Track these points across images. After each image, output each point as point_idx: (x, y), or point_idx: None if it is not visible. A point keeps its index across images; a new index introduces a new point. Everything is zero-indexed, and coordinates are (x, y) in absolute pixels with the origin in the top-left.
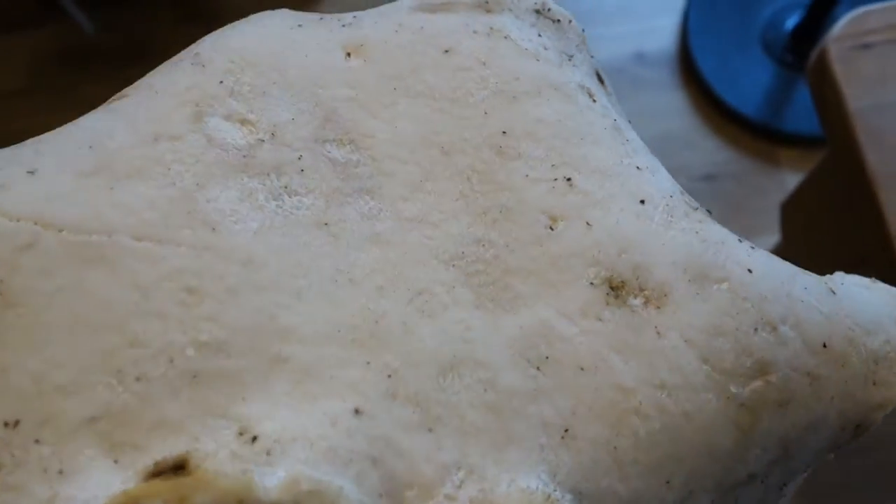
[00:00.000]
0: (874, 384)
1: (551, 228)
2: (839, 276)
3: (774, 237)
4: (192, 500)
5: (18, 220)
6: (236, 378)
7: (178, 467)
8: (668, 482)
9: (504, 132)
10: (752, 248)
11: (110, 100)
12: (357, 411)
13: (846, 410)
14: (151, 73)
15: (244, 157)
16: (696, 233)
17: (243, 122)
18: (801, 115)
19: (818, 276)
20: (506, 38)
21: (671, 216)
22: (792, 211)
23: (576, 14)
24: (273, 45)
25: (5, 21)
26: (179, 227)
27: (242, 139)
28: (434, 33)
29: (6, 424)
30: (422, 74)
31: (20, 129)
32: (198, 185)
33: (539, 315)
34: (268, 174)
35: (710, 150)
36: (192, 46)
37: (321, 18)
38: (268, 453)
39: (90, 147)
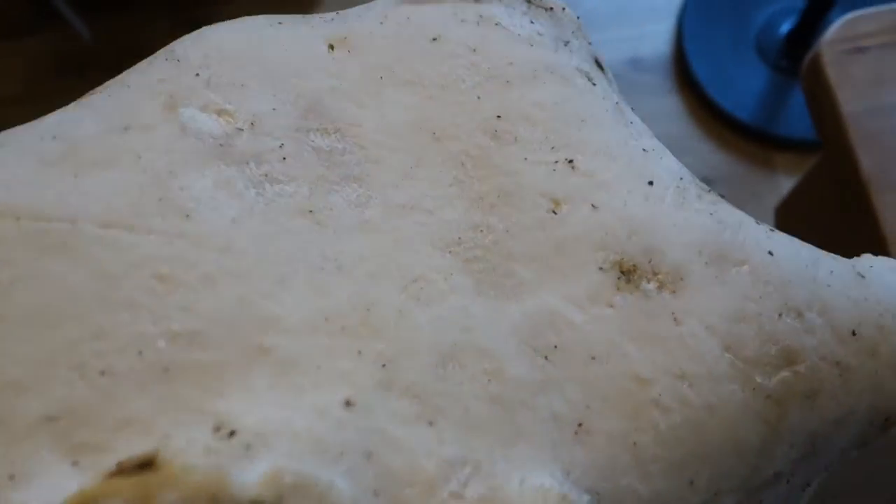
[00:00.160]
0: None
1: (554, 212)
2: (867, 259)
3: None
4: (158, 498)
5: None
6: (213, 371)
7: (146, 465)
8: (691, 482)
9: (499, 116)
10: (771, 230)
11: (80, 98)
12: (348, 403)
13: (876, 403)
14: (125, 72)
15: (221, 145)
16: (711, 214)
17: (220, 112)
18: (796, 119)
19: (844, 259)
20: (497, 24)
21: (683, 197)
22: (786, 214)
23: None
24: (252, 40)
25: (1, 27)
26: (150, 214)
27: (219, 129)
28: (421, 23)
29: None
30: (409, 63)
31: None
32: (170, 172)
33: (545, 302)
34: (247, 162)
35: (704, 154)
36: (168, 45)
37: (303, 17)
38: (247, 447)
39: (54, 137)
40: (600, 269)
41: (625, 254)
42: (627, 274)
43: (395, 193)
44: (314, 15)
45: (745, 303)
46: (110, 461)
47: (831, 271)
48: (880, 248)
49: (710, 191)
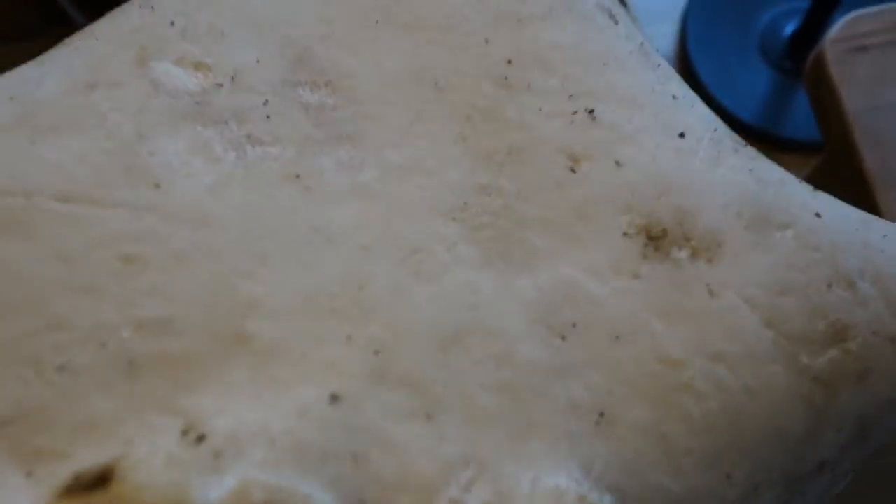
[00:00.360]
0: None
1: (573, 170)
2: None
3: None
4: None
5: None
6: (183, 363)
7: (104, 479)
8: (728, 476)
9: (509, 61)
10: (815, 190)
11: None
12: (335, 397)
13: None
14: (96, 21)
15: (197, 103)
16: (750, 170)
17: (197, 66)
18: (800, 120)
19: (893, 224)
20: None
21: (718, 151)
22: None
23: None
24: None
25: (10, 30)
26: (115, 184)
27: (196, 85)
28: None
29: None
30: (408, 3)
31: None
32: (139, 135)
33: (562, 273)
34: (226, 122)
35: None
36: None
37: None
38: (215, 456)
39: (11, 98)
40: (625, 234)
41: (653, 217)
42: (656, 240)
43: (392, 153)
44: None
45: (789, 272)
46: (67, 470)
47: (884, 235)
48: None
49: (746, 145)
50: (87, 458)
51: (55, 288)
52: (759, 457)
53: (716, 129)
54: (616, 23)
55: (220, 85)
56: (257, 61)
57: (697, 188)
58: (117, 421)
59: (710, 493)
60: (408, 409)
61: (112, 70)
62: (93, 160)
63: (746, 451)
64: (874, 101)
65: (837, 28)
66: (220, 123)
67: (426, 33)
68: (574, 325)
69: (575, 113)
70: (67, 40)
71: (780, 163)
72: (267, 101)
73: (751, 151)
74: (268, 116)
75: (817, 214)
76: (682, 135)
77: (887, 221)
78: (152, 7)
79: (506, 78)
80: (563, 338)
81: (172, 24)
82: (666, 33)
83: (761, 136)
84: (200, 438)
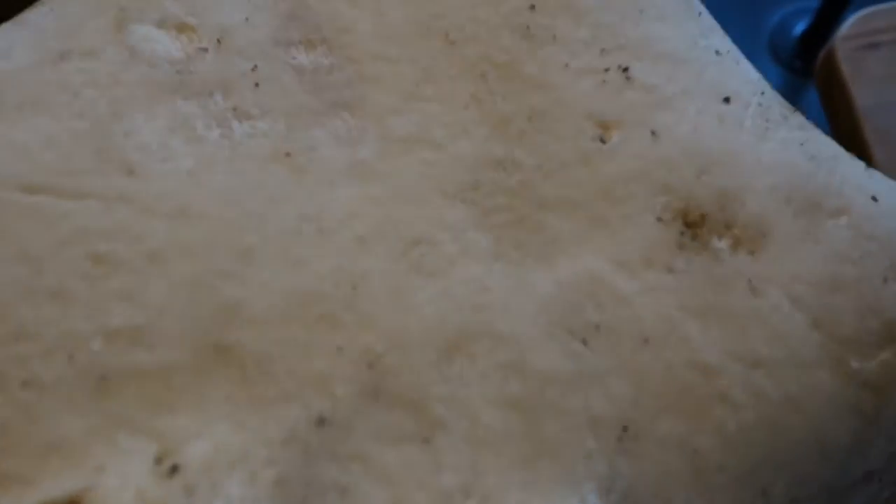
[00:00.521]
0: None
1: (602, 141)
2: None
3: None
4: None
5: None
6: (158, 379)
7: None
8: (764, 492)
9: (532, 6)
10: (868, 167)
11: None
12: (321, 420)
13: None
14: None
15: (178, 73)
16: (801, 145)
17: (181, 28)
18: (810, 119)
19: None
20: None
21: (766, 120)
22: None
23: None
24: None
25: None
26: (86, 171)
27: (179, 50)
28: None
29: None
30: None
31: None
32: (114, 113)
33: (585, 266)
34: (210, 94)
35: None
36: None
37: None
38: (188, 492)
39: None
40: (659, 219)
41: (692, 199)
42: (693, 227)
43: (395, 122)
44: None
45: (841, 265)
46: (32, 497)
47: None
48: None
49: (794, 111)
50: (54, 486)
51: (18, 292)
52: (799, 471)
53: (763, 93)
54: None
55: (205, 50)
56: (246, 19)
57: (743, 166)
58: (87, 443)
59: None
60: (403, 432)
61: (86, 36)
62: (62, 143)
63: (785, 466)
64: (885, 98)
65: (848, 25)
66: (204, 96)
67: None
68: (597, 328)
69: (607, 71)
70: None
71: None
72: (256, 66)
73: (800, 119)
74: (256, 84)
75: (874, 198)
76: (727, 99)
77: None
78: None
79: (527, 27)
80: (584, 342)
81: None
82: None
83: None
84: (174, 469)
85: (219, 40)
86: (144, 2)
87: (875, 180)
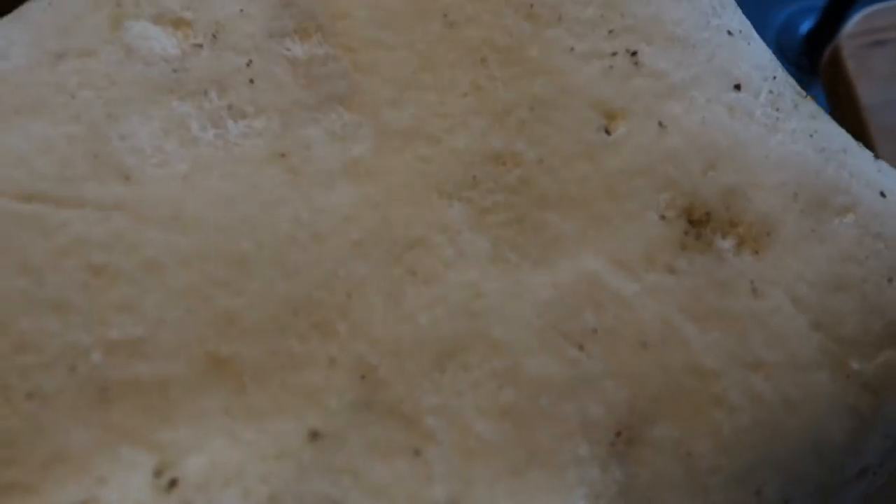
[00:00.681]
0: None
1: (607, 132)
2: None
3: None
4: None
5: None
6: (158, 390)
7: None
8: (758, 492)
9: None
10: (877, 158)
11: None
12: (314, 434)
13: None
14: None
15: (174, 71)
16: (811, 136)
17: (177, 23)
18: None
19: None
20: None
21: (777, 109)
22: None
23: None
24: None
25: None
26: (82, 177)
27: (175, 47)
28: None
29: None
30: None
31: None
32: (109, 115)
33: (585, 267)
34: (205, 92)
35: None
36: None
37: None
38: None
39: None
40: (662, 217)
41: (697, 196)
42: (697, 225)
43: (391, 115)
44: None
45: (846, 265)
46: None
47: None
48: None
49: (805, 96)
50: (57, 496)
51: (19, 304)
52: (794, 470)
53: (775, 77)
54: None
55: (200, 46)
56: (241, 10)
57: (751, 162)
58: (89, 454)
59: None
60: (394, 444)
61: (84, 34)
62: (58, 149)
63: (780, 466)
64: (890, 96)
65: (854, 22)
66: (199, 94)
67: None
68: (595, 331)
69: (614, 55)
70: None
71: None
72: (250, 61)
73: (811, 107)
74: (251, 81)
75: (882, 194)
76: (737, 86)
77: None
78: None
79: (531, 6)
80: (581, 347)
81: None
82: None
83: None
84: (173, 483)
85: (214, 35)
86: None
87: (884, 174)
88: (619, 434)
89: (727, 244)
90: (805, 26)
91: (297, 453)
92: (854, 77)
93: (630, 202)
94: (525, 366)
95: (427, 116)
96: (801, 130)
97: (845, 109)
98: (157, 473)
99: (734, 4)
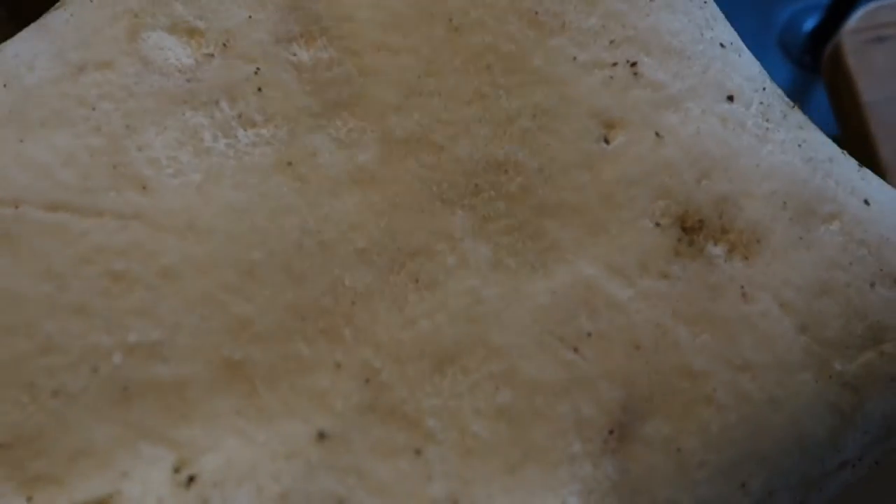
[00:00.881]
0: None
1: (606, 141)
2: None
3: None
4: None
5: None
6: (175, 390)
7: None
8: (743, 485)
9: None
10: (861, 167)
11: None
12: (322, 435)
13: None
14: None
15: (188, 81)
16: (800, 146)
17: (191, 32)
18: (820, 115)
19: None
20: None
21: (767, 120)
22: None
23: None
24: None
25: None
26: (102, 188)
27: (189, 56)
28: None
29: None
30: None
31: None
32: (128, 127)
33: (581, 273)
34: (216, 102)
35: None
36: None
37: None
38: (204, 503)
39: (4, 85)
40: (657, 225)
41: (691, 204)
42: (691, 232)
43: (396, 121)
44: None
45: (831, 271)
46: (65, 498)
47: None
48: None
49: (793, 106)
50: (82, 488)
51: (45, 308)
52: (778, 464)
53: (765, 88)
54: None
55: (211, 55)
56: (249, 17)
57: (743, 171)
58: (112, 449)
59: (722, 503)
60: (396, 444)
61: (102, 46)
62: (80, 160)
63: (764, 460)
64: (891, 92)
65: (856, 18)
66: (211, 104)
67: None
68: (589, 335)
69: (615, 65)
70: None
71: None
72: (258, 69)
73: (799, 117)
74: (259, 89)
75: (866, 202)
76: (730, 98)
77: None
78: None
79: (536, 13)
80: (576, 349)
81: None
82: None
83: None
84: (191, 479)
85: (224, 44)
86: (156, 7)
87: (867, 182)
88: (611, 432)
89: (719, 250)
90: (809, 24)
91: (306, 453)
92: (855, 73)
93: (626, 210)
94: (521, 368)
95: (431, 123)
96: (790, 140)
97: (846, 105)
98: (176, 469)
99: (724, 18)
